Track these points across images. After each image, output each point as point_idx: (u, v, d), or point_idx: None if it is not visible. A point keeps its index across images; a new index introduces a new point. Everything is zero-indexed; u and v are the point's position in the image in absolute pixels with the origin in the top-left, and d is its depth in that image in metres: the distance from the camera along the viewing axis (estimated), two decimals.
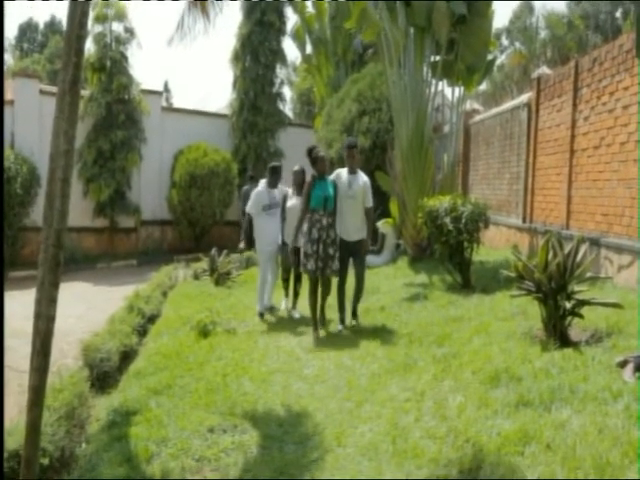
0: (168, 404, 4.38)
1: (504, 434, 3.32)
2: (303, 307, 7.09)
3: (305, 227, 6.10)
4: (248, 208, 7.27)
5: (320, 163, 6.24)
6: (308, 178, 6.66)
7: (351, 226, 6.28)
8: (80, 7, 3.22)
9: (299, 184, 6.92)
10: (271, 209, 7.13)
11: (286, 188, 7.27)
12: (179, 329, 6.59)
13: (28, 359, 3.05)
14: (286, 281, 7.43)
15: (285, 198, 7.11)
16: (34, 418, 2.93)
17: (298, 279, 7.25)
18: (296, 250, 6.48)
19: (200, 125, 15.52)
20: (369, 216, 6.41)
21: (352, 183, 6.26)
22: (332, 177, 6.36)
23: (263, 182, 7.30)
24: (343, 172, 6.39)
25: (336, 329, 6.34)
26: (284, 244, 7.06)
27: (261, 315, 7.12)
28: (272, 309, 7.40)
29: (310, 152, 6.36)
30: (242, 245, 7.63)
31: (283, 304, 7.50)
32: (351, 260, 6.42)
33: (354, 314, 6.50)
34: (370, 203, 6.33)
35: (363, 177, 6.39)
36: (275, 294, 7.70)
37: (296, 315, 7.19)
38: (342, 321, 6.39)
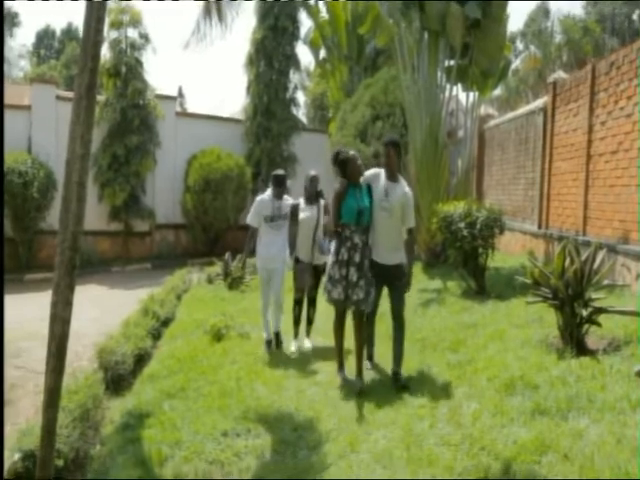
0: (182, 407, 4.38)
1: (520, 442, 3.28)
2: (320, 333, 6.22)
3: (332, 246, 4.84)
4: (248, 219, 6.10)
5: (352, 166, 4.78)
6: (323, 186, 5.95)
7: (385, 245, 4.82)
8: (96, 13, 3.25)
9: (311, 193, 6.00)
10: (275, 221, 5.98)
11: (290, 199, 6.15)
12: (193, 333, 6.61)
13: (44, 361, 3.07)
14: (298, 304, 6.11)
15: (296, 210, 5.98)
16: (49, 419, 2.94)
17: (312, 303, 6.16)
18: (315, 268, 5.89)
19: (214, 130, 15.60)
20: (409, 242, 4.93)
21: (390, 192, 4.79)
22: (366, 177, 4.91)
23: (269, 190, 6.14)
24: (381, 174, 4.89)
25: (365, 367, 5.04)
26: (297, 261, 5.98)
27: (269, 344, 6.02)
28: (278, 338, 6.12)
29: (336, 157, 4.90)
30: (239, 263, 6.72)
31: (293, 346, 6.04)
32: (386, 291, 5.02)
33: (397, 364, 4.88)
34: (412, 223, 4.90)
35: (404, 187, 4.89)
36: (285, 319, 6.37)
37: (307, 345, 6.13)
38: (370, 357, 5.29)
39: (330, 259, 4.81)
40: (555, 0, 45.63)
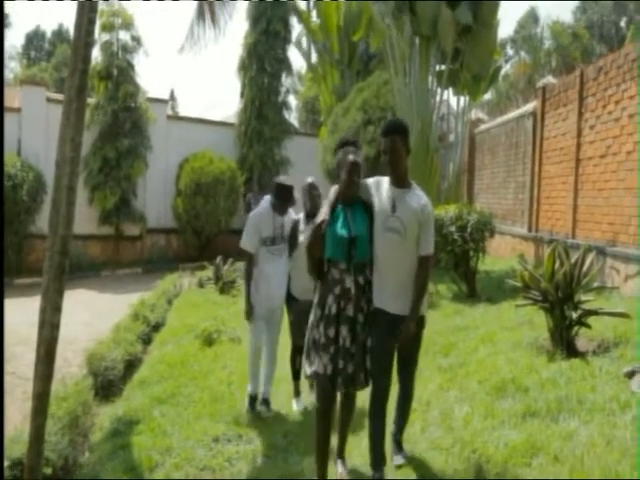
0: (172, 413, 4.36)
1: (511, 445, 3.29)
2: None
3: (316, 292, 3.32)
4: (243, 241, 4.48)
5: (348, 172, 3.22)
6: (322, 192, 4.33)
7: (394, 285, 3.23)
8: (87, 15, 3.24)
9: (314, 207, 4.33)
10: (277, 244, 4.48)
11: (294, 215, 4.63)
12: (184, 337, 6.58)
13: (33, 366, 3.05)
14: (299, 353, 4.40)
15: (295, 228, 4.51)
16: (38, 426, 2.91)
17: None
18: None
19: (205, 133, 15.56)
20: (421, 275, 3.24)
21: (399, 204, 3.22)
22: (365, 188, 3.33)
23: (267, 201, 4.51)
24: (384, 182, 3.33)
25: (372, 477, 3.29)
26: (293, 299, 4.53)
27: (252, 401, 4.42)
28: (267, 404, 4.46)
29: (341, 145, 3.43)
30: (247, 307, 4.57)
31: (295, 405, 4.59)
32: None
33: (398, 444, 3.56)
34: (430, 249, 3.26)
35: (422, 197, 3.31)
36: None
37: (296, 406, 4.57)
38: (376, 466, 3.26)
39: (312, 314, 3.29)
40: (545, 0, 45.73)
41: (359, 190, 3.29)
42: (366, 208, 3.27)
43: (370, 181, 3.36)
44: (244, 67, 16.01)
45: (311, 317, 3.30)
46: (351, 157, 3.22)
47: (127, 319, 6.96)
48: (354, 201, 3.29)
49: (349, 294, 3.18)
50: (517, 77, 26.63)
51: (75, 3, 3.38)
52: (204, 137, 15.30)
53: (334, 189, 3.34)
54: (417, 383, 4.53)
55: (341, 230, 3.20)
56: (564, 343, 4.52)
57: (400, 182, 3.27)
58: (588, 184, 7.48)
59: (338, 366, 3.13)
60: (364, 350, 3.21)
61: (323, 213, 3.27)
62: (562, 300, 4.53)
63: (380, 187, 3.32)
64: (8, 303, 9.05)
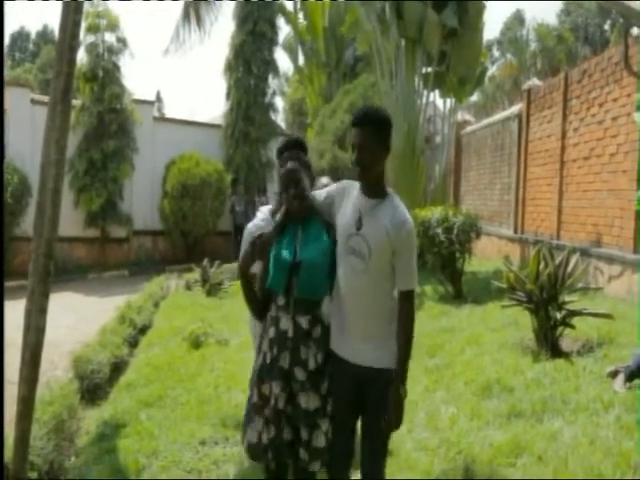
0: (159, 416, 4.34)
1: (496, 445, 3.32)
2: None
3: (257, 339, 2.68)
4: (242, 259, 2.80)
5: (284, 186, 2.55)
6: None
7: (354, 327, 2.44)
8: (72, 17, 3.23)
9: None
10: None
11: None
12: (171, 340, 6.55)
13: (18, 370, 3.02)
14: None
15: None
16: (23, 431, 2.89)
17: None
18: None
19: (192, 135, 15.51)
20: (404, 320, 2.38)
21: (365, 220, 2.40)
22: (325, 193, 2.59)
23: (265, 211, 3.17)
24: (354, 189, 2.49)
25: None
26: None
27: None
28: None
29: (282, 151, 2.89)
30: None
31: None
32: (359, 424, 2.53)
33: None
34: (410, 283, 2.40)
35: (399, 212, 2.40)
36: None
37: None
38: None
39: (254, 364, 2.59)
40: (531, 0, 45.99)
41: (311, 203, 2.53)
42: (327, 226, 2.50)
43: (336, 187, 2.59)
44: (230, 68, 15.99)
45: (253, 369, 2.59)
46: (288, 165, 2.54)
47: (113, 322, 6.91)
48: (310, 216, 2.53)
49: (284, 339, 2.40)
50: (503, 79, 26.86)
51: (60, 4, 3.37)
52: (191, 139, 15.25)
53: (275, 206, 2.80)
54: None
55: (283, 251, 2.44)
56: (549, 343, 4.57)
57: (371, 190, 2.40)
58: (572, 186, 7.57)
59: (282, 438, 2.40)
60: (307, 416, 2.39)
61: (265, 227, 2.61)
62: (547, 301, 4.59)
63: (348, 195, 2.47)
64: None
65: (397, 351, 2.34)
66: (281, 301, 2.46)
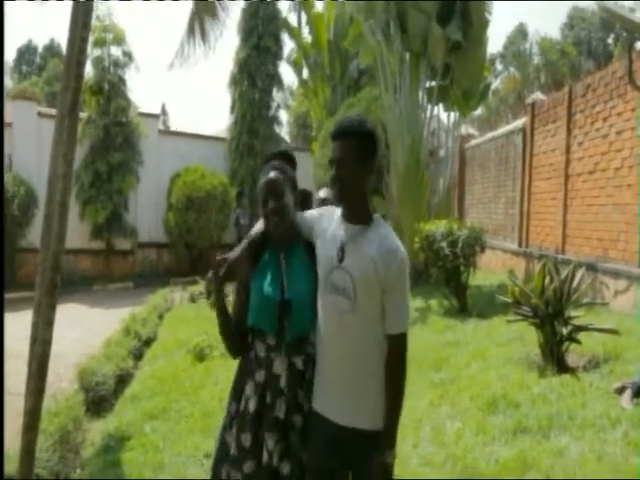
0: (164, 429, 4.33)
1: (502, 461, 3.30)
2: None
3: (234, 379, 2.27)
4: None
5: (263, 201, 2.16)
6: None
7: (335, 379, 2.05)
8: (80, 33, 3.27)
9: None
10: None
11: None
12: (175, 352, 6.55)
13: (23, 382, 3.03)
14: None
15: None
16: (29, 442, 2.90)
17: None
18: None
19: (197, 148, 15.60)
20: (393, 369, 1.98)
21: (348, 251, 2.02)
22: (303, 218, 2.23)
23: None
24: (334, 213, 2.15)
25: None
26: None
27: None
28: None
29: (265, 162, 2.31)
30: None
31: None
32: None
33: None
34: (402, 324, 1.99)
35: (387, 240, 2.03)
36: None
37: None
38: None
39: (227, 410, 2.23)
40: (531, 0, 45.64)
41: (294, 222, 2.17)
42: (311, 252, 2.15)
43: (316, 211, 2.28)
44: (235, 82, 16.11)
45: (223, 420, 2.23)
46: (269, 174, 2.15)
47: (118, 334, 6.92)
48: (293, 241, 2.19)
49: (279, 384, 2.08)
50: (507, 92, 26.96)
51: (67, 19, 3.42)
52: (195, 151, 15.34)
53: (255, 230, 2.24)
54: (409, 400, 4.54)
55: (269, 288, 2.12)
56: (555, 359, 4.55)
57: (353, 214, 2.05)
58: (577, 200, 7.57)
59: None
60: (302, 470, 2.07)
61: (233, 252, 2.18)
62: (552, 316, 4.57)
63: (330, 221, 2.13)
64: None
65: (385, 407, 1.96)
66: (271, 340, 2.12)
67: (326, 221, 2.15)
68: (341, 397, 2.02)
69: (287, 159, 2.27)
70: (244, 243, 2.20)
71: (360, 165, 2.00)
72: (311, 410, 2.09)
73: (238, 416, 2.13)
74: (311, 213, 2.25)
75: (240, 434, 2.10)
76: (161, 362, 6.23)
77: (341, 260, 2.01)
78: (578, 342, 4.58)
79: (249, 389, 2.13)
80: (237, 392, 2.18)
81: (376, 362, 2.00)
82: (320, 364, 2.10)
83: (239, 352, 2.23)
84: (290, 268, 2.16)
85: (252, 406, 2.10)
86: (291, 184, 2.18)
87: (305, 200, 3.53)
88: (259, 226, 2.24)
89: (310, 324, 2.12)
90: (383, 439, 1.95)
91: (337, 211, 2.13)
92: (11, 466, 3.27)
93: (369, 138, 2.03)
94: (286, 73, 68.18)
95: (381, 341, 2.00)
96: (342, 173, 1.99)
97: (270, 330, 2.12)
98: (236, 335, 2.21)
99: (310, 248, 2.15)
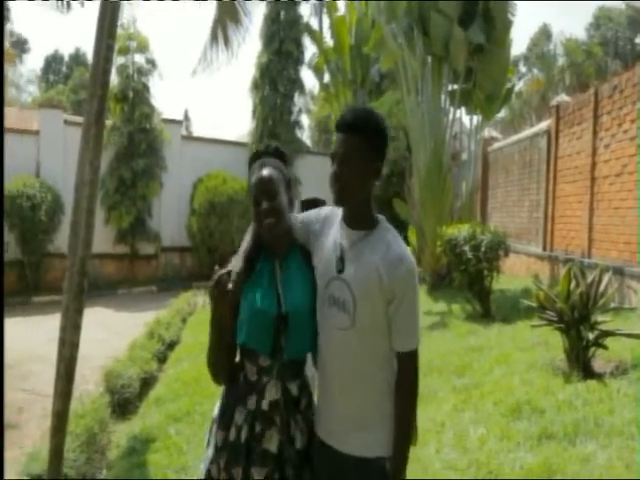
0: (188, 431, 4.37)
1: (527, 467, 3.25)
2: None
3: (220, 404, 2.00)
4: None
5: (256, 202, 1.91)
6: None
7: (343, 404, 1.83)
8: (105, 42, 3.34)
9: None
10: None
11: None
12: (198, 355, 6.59)
13: (51, 384, 3.09)
14: None
15: None
16: (57, 444, 2.96)
17: None
18: None
19: (219, 153, 15.74)
20: (402, 385, 1.78)
21: (349, 259, 1.80)
22: (300, 220, 1.99)
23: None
24: (334, 216, 1.92)
25: None
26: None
27: None
28: None
29: (254, 159, 2.02)
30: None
31: None
32: None
33: None
34: (411, 342, 1.78)
35: (393, 247, 1.78)
36: None
37: None
38: None
39: (209, 440, 1.99)
40: None
41: (291, 229, 1.94)
42: (309, 258, 1.93)
43: (315, 213, 2.00)
44: (256, 87, 16.22)
45: (207, 450, 1.98)
46: (263, 171, 1.90)
47: (142, 337, 7.01)
48: (288, 248, 1.95)
49: (273, 413, 1.84)
50: (530, 95, 26.67)
51: (94, 27, 3.49)
52: (217, 157, 15.48)
53: (250, 229, 2.01)
54: (431, 404, 4.49)
55: (263, 301, 1.85)
56: (580, 364, 4.48)
57: (355, 219, 1.83)
58: (604, 203, 7.45)
59: None
60: None
61: (231, 263, 1.98)
62: (578, 321, 4.50)
63: (330, 225, 1.91)
64: (26, 321, 9.20)
65: (394, 432, 1.76)
66: (265, 362, 1.85)
67: (325, 224, 1.91)
68: (342, 422, 1.81)
69: (278, 156, 2.04)
70: (240, 255, 1.96)
71: (365, 165, 1.76)
72: (312, 437, 1.88)
73: (227, 447, 1.87)
74: (307, 215, 2.00)
75: (230, 468, 1.84)
76: (185, 365, 6.28)
77: (340, 270, 1.79)
78: (605, 347, 4.50)
79: (239, 417, 1.86)
80: (225, 420, 1.89)
81: (382, 381, 1.79)
82: (320, 384, 1.88)
83: (233, 377, 1.92)
84: (287, 277, 1.90)
85: (243, 436, 1.83)
86: (285, 183, 1.96)
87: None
88: (251, 233, 2.01)
89: (310, 343, 1.87)
90: (392, 469, 1.75)
91: (337, 213, 1.90)
92: (40, 466, 3.33)
93: (378, 135, 1.78)
94: (307, 78, 68.45)
95: (388, 358, 1.79)
96: (344, 172, 1.75)
97: (264, 350, 1.84)
98: (231, 357, 1.91)
99: (308, 254, 1.93)
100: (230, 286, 1.84)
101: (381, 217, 1.86)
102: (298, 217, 1.99)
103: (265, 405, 1.84)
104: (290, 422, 1.85)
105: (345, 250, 1.80)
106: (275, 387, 1.84)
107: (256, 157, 2.02)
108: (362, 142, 1.73)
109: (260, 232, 1.91)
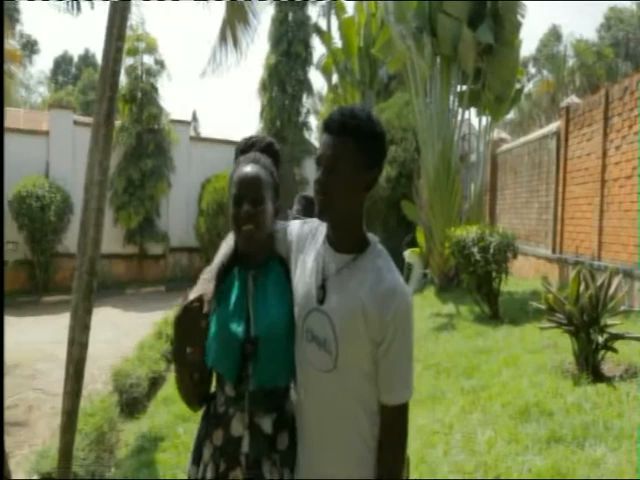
0: (196, 431, 4.38)
1: (535, 471, 3.24)
2: None
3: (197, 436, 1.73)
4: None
5: (235, 201, 1.63)
6: None
7: (322, 451, 1.55)
8: (115, 44, 3.36)
9: None
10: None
11: None
12: None
13: (60, 383, 3.11)
14: None
15: None
16: (67, 442, 2.97)
17: None
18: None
19: (227, 154, 15.65)
20: (390, 441, 1.51)
21: (332, 288, 1.52)
22: (281, 231, 1.72)
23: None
24: (318, 233, 1.63)
25: None
26: None
27: None
28: None
29: (241, 152, 1.81)
30: None
31: None
32: None
33: None
34: (402, 394, 1.50)
35: (384, 276, 1.49)
36: None
37: None
38: None
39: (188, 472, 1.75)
40: None
41: (273, 237, 1.70)
42: (283, 279, 1.66)
43: (299, 225, 1.72)
44: (265, 88, 16.27)
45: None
46: (246, 168, 1.67)
47: (151, 337, 7.04)
48: (265, 258, 1.69)
49: (237, 450, 1.60)
50: (540, 96, 26.55)
51: (103, 29, 3.51)
52: (225, 157, 15.44)
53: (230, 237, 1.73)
54: (439, 405, 4.48)
55: (231, 320, 1.61)
56: (590, 367, 4.45)
57: (341, 239, 1.55)
58: (614, 205, 7.40)
59: None
60: None
61: (202, 283, 1.70)
62: (588, 323, 4.47)
63: (314, 241, 1.63)
64: (36, 321, 9.26)
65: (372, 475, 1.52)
66: (231, 391, 1.62)
67: (308, 239, 1.62)
68: (322, 461, 1.56)
69: (271, 154, 1.78)
70: (212, 272, 1.67)
71: (355, 174, 1.47)
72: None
73: None
74: (293, 226, 1.71)
75: None
76: None
77: (321, 300, 1.51)
78: (614, 351, 4.47)
79: (207, 452, 1.64)
80: (196, 454, 1.68)
81: (367, 430, 1.52)
82: (298, 427, 1.62)
83: (201, 402, 1.72)
84: (261, 294, 1.62)
85: (209, 473, 1.62)
86: (273, 184, 1.69)
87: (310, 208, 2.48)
88: (229, 242, 1.73)
89: (283, 372, 1.60)
90: None
91: (323, 229, 1.60)
92: (49, 464, 3.36)
93: (372, 138, 1.49)
94: (316, 79, 68.50)
95: (374, 402, 1.52)
96: (330, 182, 1.47)
97: (229, 376, 1.60)
98: (203, 379, 1.67)
99: (284, 269, 1.67)
100: (202, 323, 1.58)
101: (373, 238, 1.56)
102: (284, 225, 1.73)
103: (229, 442, 1.59)
104: (262, 462, 1.58)
105: (328, 277, 1.52)
106: (241, 422, 1.59)
107: (245, 148, 1.77)
108: (353, 147, 1.46)
109: (236, 239, 1.65)
